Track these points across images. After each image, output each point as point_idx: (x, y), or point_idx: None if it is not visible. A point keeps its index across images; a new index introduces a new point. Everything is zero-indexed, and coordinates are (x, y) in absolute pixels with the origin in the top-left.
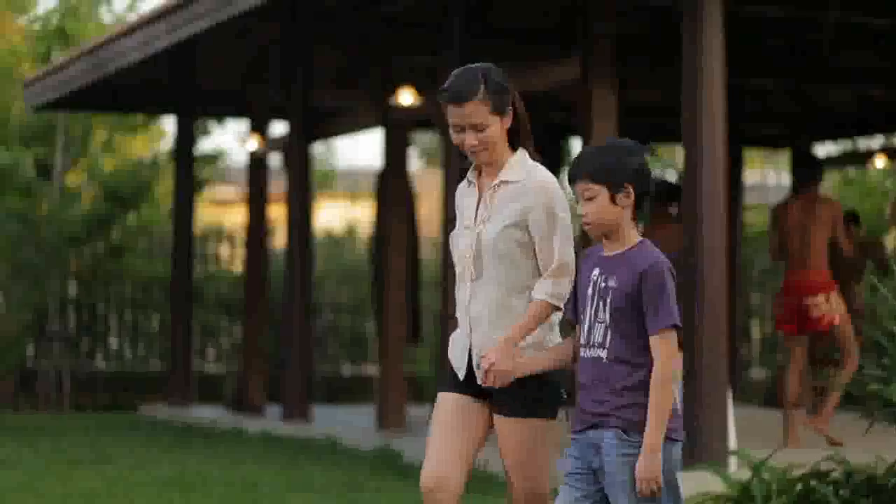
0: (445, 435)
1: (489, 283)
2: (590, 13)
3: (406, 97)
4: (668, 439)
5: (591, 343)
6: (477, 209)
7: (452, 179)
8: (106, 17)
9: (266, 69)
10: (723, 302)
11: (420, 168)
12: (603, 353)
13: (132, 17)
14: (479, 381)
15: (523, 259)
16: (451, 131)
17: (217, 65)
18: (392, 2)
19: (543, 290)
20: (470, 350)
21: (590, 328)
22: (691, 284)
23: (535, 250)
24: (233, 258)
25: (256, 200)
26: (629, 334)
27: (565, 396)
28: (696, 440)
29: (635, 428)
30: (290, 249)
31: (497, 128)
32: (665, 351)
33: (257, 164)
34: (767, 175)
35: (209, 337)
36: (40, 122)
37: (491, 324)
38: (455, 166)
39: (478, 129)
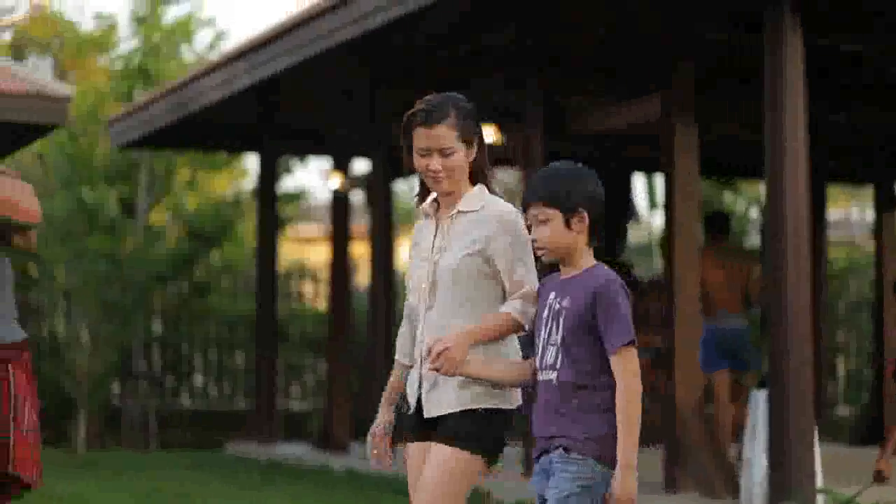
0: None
1: (444, 312)
2: (670, 49)
3: (486, 134)
4: (609, 464)
5: (543, 366)
6: (434, 240)
7: None
8: (188, 55)
9: (348, 106)
10: (808, 339)
11: None
12: (553, 376)
13: (214, 56)
14: (426, 368)
15: (481, 289)
16: (415, 156)
17: (299, 103)
18: (472, 39)
19: (512, 306)
20: (420, 381)
21: (543, 350)
22: (777, 321)
23: (493, 280)
24: (316, 296)
25: (339, 238)
26: (579, 357)
27: (507, 443)
28: (783, 477)
29: (578, 448)
30: (374, 287)
31: (462, 156)
32: (628, 367)
33: (340, 201)
34: (851, 211)
35: (294, 374)
36: (124, 161)
37: None
38: None
39: (444, 153)
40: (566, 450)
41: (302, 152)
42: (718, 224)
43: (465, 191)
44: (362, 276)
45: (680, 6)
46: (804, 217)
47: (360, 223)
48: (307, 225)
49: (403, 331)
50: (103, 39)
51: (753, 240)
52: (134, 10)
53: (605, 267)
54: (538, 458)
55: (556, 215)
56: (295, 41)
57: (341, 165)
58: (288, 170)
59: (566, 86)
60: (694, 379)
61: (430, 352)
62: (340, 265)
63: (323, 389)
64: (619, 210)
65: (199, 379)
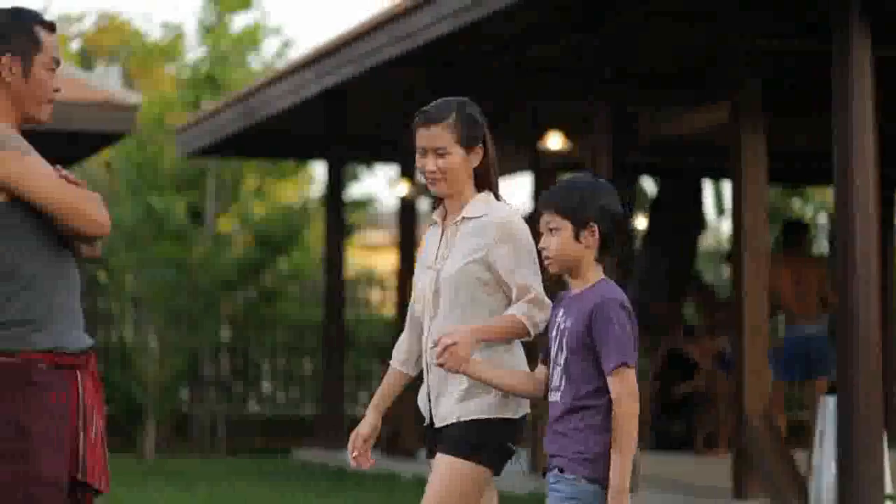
0: None
1: (448, 321)
2: (739, 57)
3: (555, 141)
4: (602, 485)
5: (552, 386)
6: (438, 248)
7: None
8: (255, 64)
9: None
10: (877, 345)
11: None
12: (557, 397)
13: (281, 64)
14: (430, 360)
15: (484, 297)
16: (416, 157)
17: (366, 110)
18: (539, 48)
19: (518, 308)
20: (428, 392)
21: (551, 371)
22: (844, 328)
23: (495, 288)
24: (384, 302)
25: (406, 245)
26: (576, 378)
27: (513, 450)
28: (851, 484)
29: (572, 468)
30: None
31: (459, 159)
32: (624, 388)
33: (407, 208)
34: None
35: (361, 381)
36: (192, 169)
37: None
38: None
39: (439, 153)
40: (561, 470)
41: (369, 159)
42: (796, 233)
43: (469, 197)
44: None
45: (748, 13)
46: (873, 224)
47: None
48: (374, 232)
49: (402, 338)
50: (170, 48)
51: (821, 246)
52: (201, 19)
53: (611, 283)
54: (544, 475)
55: (566, 226)
56: (362, 49)
57: (408, 172)
58: (355, 177)
59: (634, 94)
60: (762, 386)
61: (436, 344)
62: (407, 272)
63: None
64: (690, 218)
65: (266, 385)
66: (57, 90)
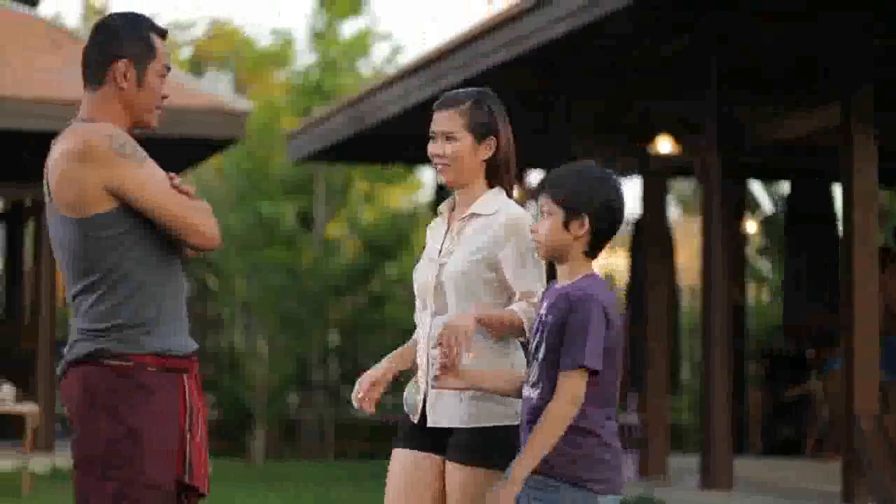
0: (395, 499)
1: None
2: (850, 58)
3: (664, 145)
4: (590, 490)
5: (528, 381)
6: (443, 241)
7: (710, 227)
8: (364, 69)
9: (523, 120)
10: None
11: (677, 216)
12: (534, 394)
13: (390, 70)
14: (431, 358)
15: (487, 296)
16: (429, 144)
17: None
18: (649, 50)
19: (518, 305)
20: (426, 390)
21: (529, 364)
22: None
23: (498, 288)
24: None
25: None
26: (553, 377)
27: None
28: None
29: (548, 470)
30: None
31: (467, 147)
32: (568, 390)
33: None
34: None
35: None
36: (301, 175)
37: None
38: (714, 214)
39: (447, 137)
40: (536, 472)
41: None
42: None
43: (479, 191)
44: None
45: (858, 14)
46: None
47: None
48: None
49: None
50: (280, 54)
51: None
52: (311, 26)
53: (597, 280)
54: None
55: (557, 212)
56: (470, 54)
57: (517, 176)
58: None
59: (742, 96)
60: (872, 389)
61: (439, 343)
62: None
63: None
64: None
65: None
66: (165, 97)
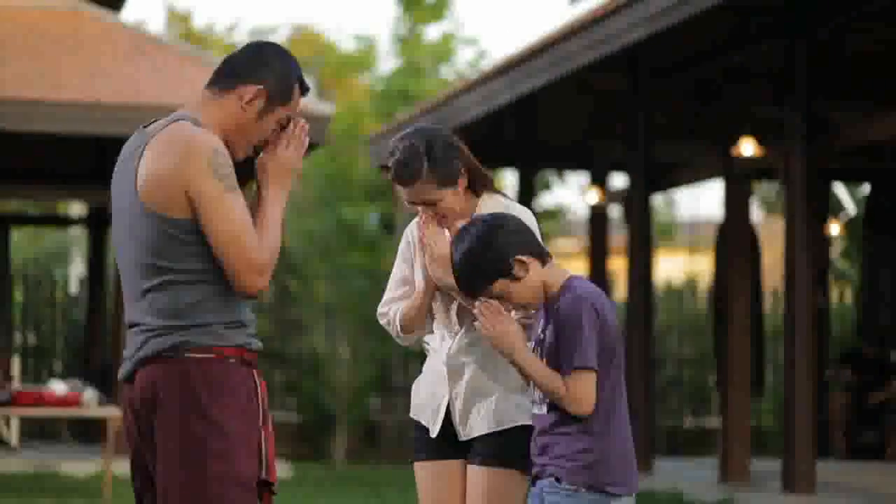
0: None
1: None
2: None
3: (748, 148)
4: (607, 493)
5: (536, 398)
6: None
7: (794, 231)
8: (447, 74)
9: (606, 122)
10: None
11: (761, 218)
12: (543, 410)
13: (474, 75)
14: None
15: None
16: (405, 202)
17: (558, 119)
18: (734, 53)
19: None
20: (449, 402)
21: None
22: None
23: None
24: None
25: (598, 253)
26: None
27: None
28: None
29: (569, 477)
30: (632, 302)
31: (450, 198)
32: (576, 391)
33: (598, 216)
34: None
35: None
36: (383, 179)
37: (478, 370)
38: (798, 216)
39: (428, 204)
40: (557, 480)
41: (560, 167)
42: None
43: (473, 204)
44: (620, 290)
45: None
46: None
47: (618, 237)
48: (566, 240)
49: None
50: (363, 59)
51: None
52: (395, 30)
53: (582, 281)
54: (533, 482)
55: (504, 284)
56: (553, 58)
57: (599, 180)
58: (546, 186)
59: (828, 98)
60: None
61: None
62: (599, 280)
63: None
64: None
65: None
66: (266, 143)
